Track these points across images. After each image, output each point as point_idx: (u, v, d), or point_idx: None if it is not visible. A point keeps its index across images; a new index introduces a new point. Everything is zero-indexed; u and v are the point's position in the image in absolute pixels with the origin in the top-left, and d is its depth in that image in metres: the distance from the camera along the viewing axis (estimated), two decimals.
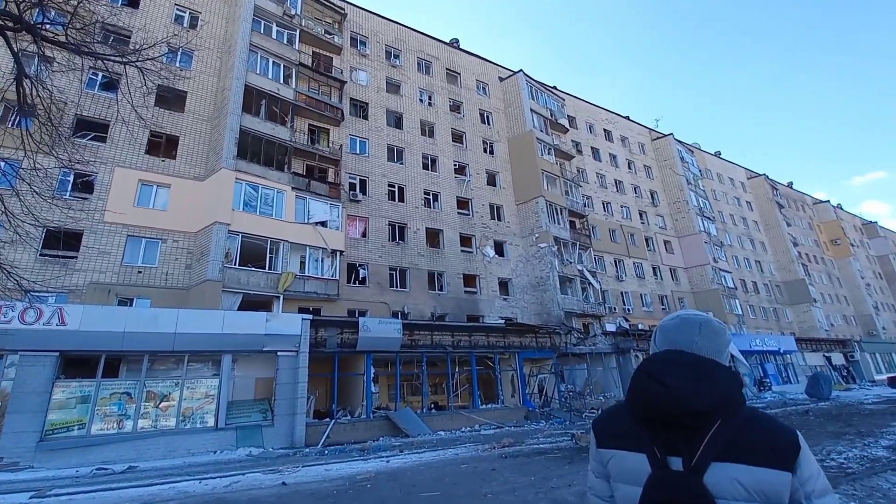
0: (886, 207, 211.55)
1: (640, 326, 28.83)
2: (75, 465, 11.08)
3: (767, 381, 32.62)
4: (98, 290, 15.52)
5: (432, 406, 18.59)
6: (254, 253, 18.34)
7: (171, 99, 19.19)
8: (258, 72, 20.52)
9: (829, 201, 60.51)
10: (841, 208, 62.85)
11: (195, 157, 19.11)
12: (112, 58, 4.83)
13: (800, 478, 1.00)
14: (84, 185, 16.73)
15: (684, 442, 1.05)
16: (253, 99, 20.05)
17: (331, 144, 22.69)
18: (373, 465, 9.91)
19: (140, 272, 16.62)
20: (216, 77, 20.64)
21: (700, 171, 43.45)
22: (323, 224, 20.22)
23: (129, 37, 18.23)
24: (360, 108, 24.99)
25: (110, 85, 18.20)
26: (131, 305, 15.63)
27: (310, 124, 22.52)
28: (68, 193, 16.01)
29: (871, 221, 66.52)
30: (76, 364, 12.78)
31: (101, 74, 17.63)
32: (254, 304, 17.53)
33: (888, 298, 58.93)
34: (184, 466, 10.97)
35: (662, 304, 33.57)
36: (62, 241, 14.43)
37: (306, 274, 19.14)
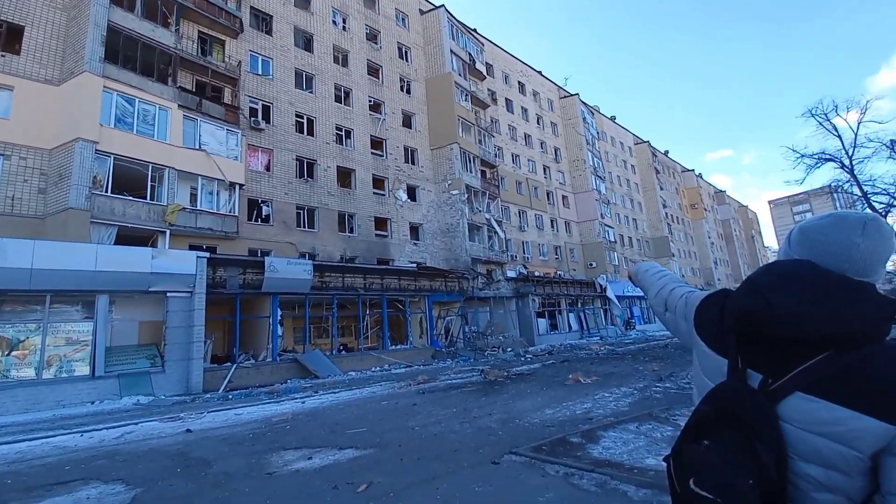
0: (729, 181, 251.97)
1: (536, 274, 31.18)
2: None
3: (633, 321, 38.10)
4: None
5: (342, 348, 18.42)
6: (131, 180, 15.69)
7: None
8: None
9: (693, 170, 69.68)
10: (702, 178, 72.88)
11: (48, 55, 15.29)
12: None
13: None
14: None
15: (771, 361, 0.89)
16: None
17: (227, 59, 19.67)
18: (288, 407, 9.57)
19: None
20: None
21: (598, 132, 46.64)
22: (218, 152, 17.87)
23: None
24: (263, 21, 21.84)
25: None
26: None
27: (200, 31, 19.16)
28: None
29: (721, 190, 78.52)
30: None
31: None
32: (132, 238, 15.19)
33: (725, 255, 71.21)
34: (55, 419, 9.52)
35: (556, 254, 36.54)
36: None
37: (199, 208, 16.99)
